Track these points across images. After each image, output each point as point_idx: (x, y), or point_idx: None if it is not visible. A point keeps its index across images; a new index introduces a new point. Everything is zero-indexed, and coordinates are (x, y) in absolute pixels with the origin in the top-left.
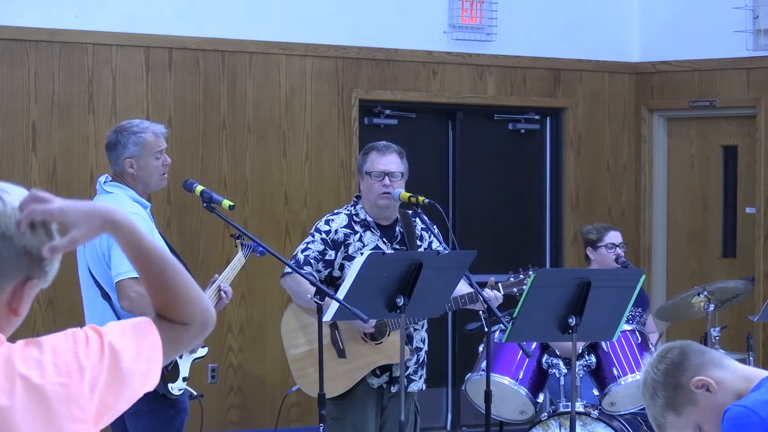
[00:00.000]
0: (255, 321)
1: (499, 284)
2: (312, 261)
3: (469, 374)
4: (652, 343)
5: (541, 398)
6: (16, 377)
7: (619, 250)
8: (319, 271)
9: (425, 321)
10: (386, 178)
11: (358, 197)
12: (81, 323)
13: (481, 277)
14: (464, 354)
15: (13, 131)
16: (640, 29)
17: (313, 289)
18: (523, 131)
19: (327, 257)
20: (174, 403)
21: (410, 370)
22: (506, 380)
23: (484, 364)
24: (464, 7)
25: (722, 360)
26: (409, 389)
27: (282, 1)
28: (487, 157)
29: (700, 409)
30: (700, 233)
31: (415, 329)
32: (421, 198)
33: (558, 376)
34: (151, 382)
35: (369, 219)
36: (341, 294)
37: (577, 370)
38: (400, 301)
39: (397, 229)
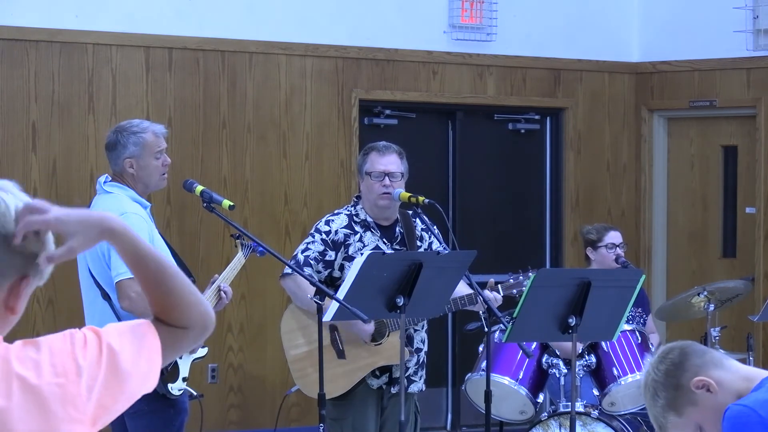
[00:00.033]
0: (255, 321)
1: (499, 286)
2: (312, 262)
3: (469, 374)
4: (652, 344)
5: (541, 398)
6: (13, 377)
7: (619, 250)
8: (319, 272)
9: (425, 322)
10: (386, 178)
11: (359, 197)
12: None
13: (481, 277)
14: (464, 354)
15: (13, 131)
16: (640, 29)
17: (313, 289)
18: (523, 131)
19: (327, 258)
20: (174, 403)
21: (410, 371)
22: (506, 380)
23: (484, 364)
24: (464, 7)
25: (723, 360)
26: (410, 390)
27: (282, 1)
28: (487, 157)
29: (701, 410)
30: (700, 233)
31: (416, 330)
32: (421, 198)
33: (558, 376)
34: (150, 384)
35: (369, 219)
36: (341, 294)
37: (577, 370)
38: (400, 301)
39: (398, 229)
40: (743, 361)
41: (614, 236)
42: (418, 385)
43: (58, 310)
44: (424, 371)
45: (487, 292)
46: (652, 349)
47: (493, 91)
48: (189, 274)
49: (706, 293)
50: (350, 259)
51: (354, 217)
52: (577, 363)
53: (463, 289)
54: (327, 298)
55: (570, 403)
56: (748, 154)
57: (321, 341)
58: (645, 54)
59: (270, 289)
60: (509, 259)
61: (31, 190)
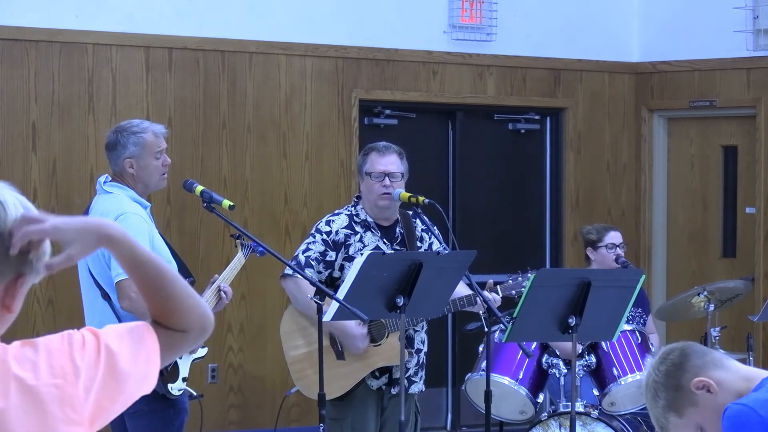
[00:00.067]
0: (255, 321)
1: (498, 287)
2: (313, 262)
3: (469, 374)
4: (652, 344)
5: (541, 398)
6: (10, 378)
7: (619, 251)
8: (320, 272)
9: (425, 322)
10: (386, 178)
11: (359, 198)
12: (81, 323)
13: (481, 278)
14: (464, 354)
15: (13, 131)
16: (640, 29)
17: (313, 289)
18: (523, 131)
19: (328, 258)
20: (174, 404)
21: (411, 372)
22: (506, 380)
23: (484, 364)
24: (464, 7)
25: (723, 361)
26: (410, 391)
27: (282, 1)
28: (487, 157)
29: (701, 410)
30: (700, 233)
31: (416, 330)
32: (421, 198)
33: (558, 376)
34: (148, 385)
35: (369, 220)
36: (341, 294)
37: (577, 370)
38: (400, 301)
39: (398, 229)
40: (743, 361)
41: (614, 236)
42: (418, 386)
43: (58, 310)
44: (423, 372)
45: (486, 293)
46: (653, 350)
47: (493, 91)
48: (189, 274)
49: (706, 293)
50: (350, 259)
51: (354, 218)
52: (577, 363)
53: (462, 289)
54: (327, 298)
55: (570, 403)
56: (748, 154)
57: (321, 341)
58: (645, 54)
59: (270, 289)
60: (509, 259)
61: (31, 190)
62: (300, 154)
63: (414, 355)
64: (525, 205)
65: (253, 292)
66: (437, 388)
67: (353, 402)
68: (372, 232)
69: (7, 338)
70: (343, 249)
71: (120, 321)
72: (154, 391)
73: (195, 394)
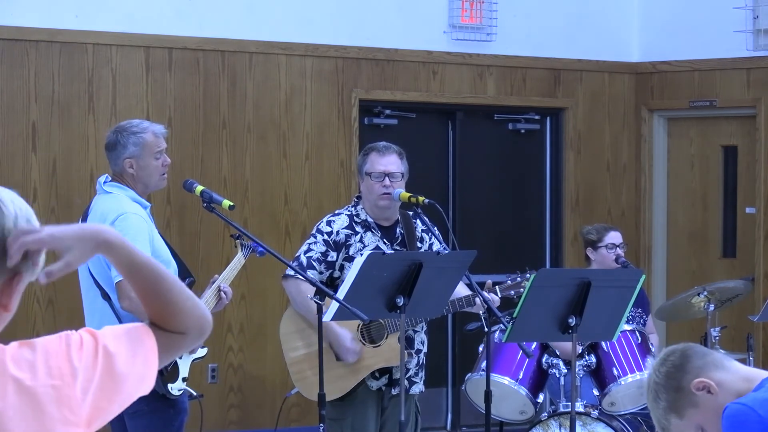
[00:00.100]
0: (255, 321)
1: (497, 287)
2: (315, 263)
3: (469, 374)
4: (652, 344)
5: (541, 398)
6: (8, 379)
7: (619, 251)
8: (321, 273)
9: (424, 323)
10: (386, 178)
11: (359, 198)
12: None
13: (481, 278)
14: (464, 354)
15: (13, 131)
16: (640, 29)
17: (314, 289)
18: (523, 131)
19: (329, 258)
20: (174, 404)
21: (411, 372)
22: (506, 380)
23: (484, 364)
24: (464, 7)
25: (724, 362)
26: (411, 391)
27: (282, 1)
28: (487, 157)
29: (702, 411)
30: (700, 233)
31: (415, 331)
32: (421, 198)
33: (558, 376)
34: (146, 387)
35: (370, 220)
36: (341, 294)
37: (577, 370)
38: (400, 301)
39: (398, 230)
40: (743, 361)
41: (614, 236)
42: (418, 386)
43: (58, 310)
44: (423, 372)
45: (485, 292)
46: (653, 350)
47: (493, 91)
48: (189, 275)
49: (706, 293)
50: (350, 259)
51: (355, 218)
52: (577, 363)
53: (462, 290)
54: (327, 298)
55: (570, 403)
56: (748, 154)
57: (321, 341)
58: (645, 54)
59: (270, 289)
60: (509, 259)
61: (31, 190)
62: (300, 154)
63: (414, 355)
64: (525, 205)
65: (253, 292)
66: (437, 388)
67: (353, 402)
68: (372, 232)
69: (7, 338)
70: (343, 249)
71: (120, 321)
72: (154, 391)
73: (195, 394)
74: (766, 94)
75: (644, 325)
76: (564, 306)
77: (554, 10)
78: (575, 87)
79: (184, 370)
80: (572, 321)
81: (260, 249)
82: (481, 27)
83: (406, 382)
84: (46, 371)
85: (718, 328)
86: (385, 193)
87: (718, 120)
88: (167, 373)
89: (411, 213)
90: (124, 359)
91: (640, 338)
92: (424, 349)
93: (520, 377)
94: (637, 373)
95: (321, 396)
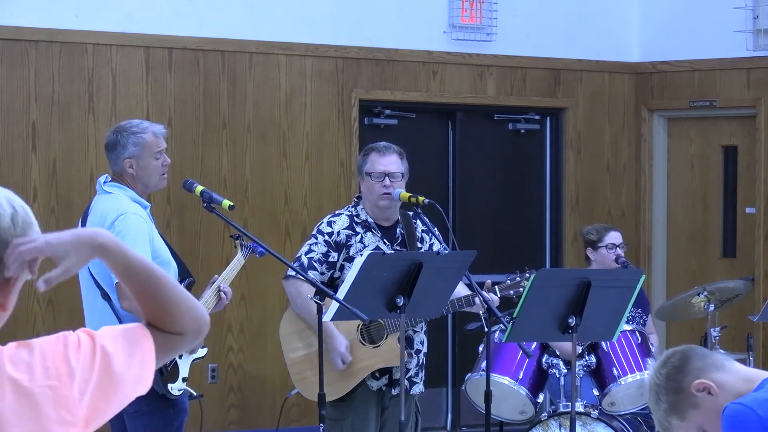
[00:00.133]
0: (255, 321)
1: (496, 287)
2: (316, 264)
3: (469, 374)
4: (652, 344)
5: (541, 398)
6: (5, 380)
7: (619, 251)
8: (323, 273)
9: (424, 323)
10: (386, 178)
11: (359, 198)
12: (81, 323)
13: (480, 278)
14: (464, 354)
15: (13, 131)
16: (640, 29)
17: (314, 290)
18: (523, 131)
19: (330, 259)
20: (173, 404)
21: (411, 373)
22: (506, 380)
23: (484, 364)
24: (464, 7)
25: (724, 363)
26: (411, 392)
27: (282, 1)
28: (487, 157)
29: (703, 412)
30: (700, 233)
31: (415, 331)
32: (421, 198)
33: (558, 376)
34: (143, 387)
35: (370, 220)
36: (341, 294)
37: (577, 370)
38: (400, 301)
39: (398, 230)
40: (743, 361)
41: (614, 236)
42: (419, 387)
43: (58, 310)
44: (423, 372)
45: (484, 292)
46: (653, 350)
47: (493, 91)
48: (189, 275)
49: (706, 293)
50: (351, 259)
51: (355, 218)
52: (577, 363)
53: (462, 289)
54: (327, 298)
55: (570, 403)
56: (748, 154)
57: (321, 341)
58: (645, 54)
59: (270, 289)
60: (509, 259)
61: (31, 190)
62: (300, 154)
63: (413, 355)
64: (525, 205)
65: (253, 292)
66: (437, 388)
67: (353, 403)
68: (372, 232)
69: (7, 338)
70: (344, 250)
71: (120, 321)
72: (154, 391)
73: (195, 394)
74: (766, 94)
75: (644, 325)
76: (564, 306)
77: (554, 10)
78: (575, 87)
79: (184, 370)
80: (572, 321)
81: (260, 249)
82: (481, 27)
83: (406, 383)
84: (44, 372)
85: (718, 328)
86: (385, 193)
87: (718, 120)
88: (167, 373)
89: (411, 213)
90: (121, 360)
91: (640, 338)
92: (424, 349)
93: (520, 377)
94: (637, 373)
95: (321, 396)
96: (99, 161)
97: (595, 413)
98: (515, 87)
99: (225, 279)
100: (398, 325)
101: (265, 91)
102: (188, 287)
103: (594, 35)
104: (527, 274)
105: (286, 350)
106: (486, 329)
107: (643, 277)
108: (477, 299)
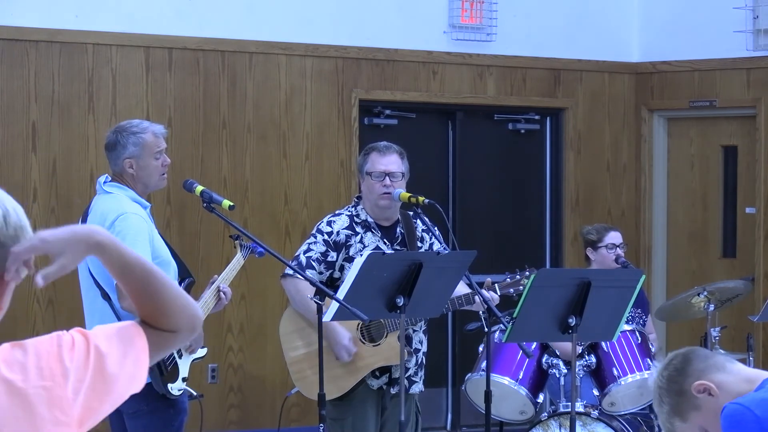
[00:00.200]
0: (255, 321)
1: (496, 285)
2: (314, 263)
3: (469, 374)
4: (652, 344)
5: (541, 398)
6: None
7: (619, 251)
8: (321, 273)
9: (423, 322)
10: (387, 178)
11: (359, 198)
12: (81, 323)
13: (480, 277)
14: (464, 354)
15: (13, 131)
16: (640, 29)
17: (313, 289)
18: (523, 131)
19: (329, 258)
20: (173, 404)
21: (410, 372)
22: (506, 380)
23: (484, 364)
24: (464, 7)
25: (726, 364)
26: (410, 391)
27: (282, 1)
28: (487, 157)
29: (704, 413)
30: (700, 233)
31: (414, 330)
32: (421, 198)
33: (558, 376)
34: (137, 385)
35: (370, 220)
36: (341, 294)
37: (577, 370)
38: (400, 301)
39: (398, 230)
40: (743, 361)
41: (614, 236)
42: (418, 386)
43: (58, 310)
44: (423, 371)
45: (484, 292)
46: (653, 350)
47: (493, 91)
48: (189, 275)
49: (706, 293)
50: (350, 259)
51: (355, 218)
52: (577, 363)
53: (462, 289)
54: (327, 298)
55: (570, 403)
56: (748, 154)
57: (321, 341)
58: (645, 54)
59: (270, 289)
60: (509, 259)
61: (31, 190)
62: (300, 154)
63: (412, 354)
64: (525, 205)
65: (253, 292)
66: (437, 388)
67: (353, 402)
68: (372, 232)
69: (7, 338)
70: (343, 249)
71: (120, 321)
72: (154, 391)
73: (195, 394)
74: (766, 94)
75: (644, 325)
76: (564, 306)
77: (554, 10)
78: (575, 87)
79: (184, 370)
80: (572, 321)
81: (259, 249)
82: (481, 27)
83: (405, 382)
84: (38, 372)
85: (718, 328)
86: (385, 193)
87: (718, 120)
88: (167, 373)
89: (411, 213)
90: (115, 359)
91: (640, 338)
92: (423, 349)
93: (520, 377)
94: (637, 373)
95: (321, 396)
96: (99, 161)
97: (595, 413)
98: (515, 87)
99: (224, 279)
100: (398, 323)
101: (265, 91)
102: (188, 287)
103: (594, 35)
104: (527, 272)
105: (286, 349)
106: (486, 329)
107: (643, 277)
108: (477, 297)
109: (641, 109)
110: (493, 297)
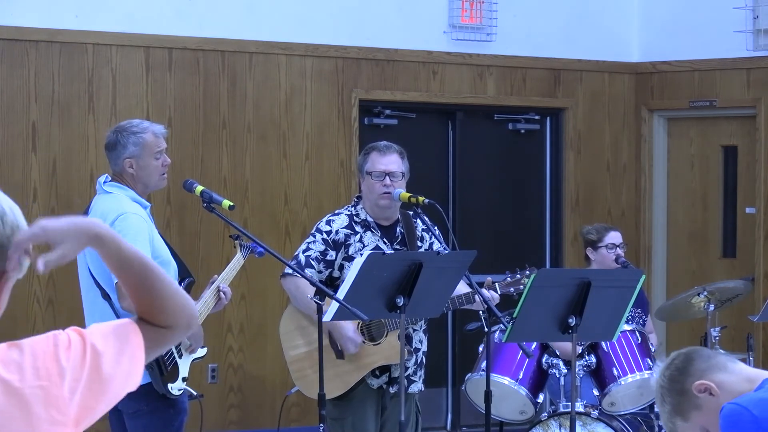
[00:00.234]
0: (255, 321)
1: (496, 284)
2: (313, 262)
3: (469, 374)
4: (652, 344)
5: (541, 398)
6: None
7: (619, 251)
8: (320, 272)
9: (423, 322)
10: (387, 178)
11: (359, 197)
12: (81, 323)
13: (480, 277)
14: (464, 354)
15: (13, 131)
16: (640, 29)
17: (313, 289)
18: (523, 131)
19: (328, 258)
20: (173, 403)
21: (410, 371)
22: (506, 380)
23: (484, 364)
24: (464, 7)
25: (727, 364)
26: (410, 390)
27: (282, 1)
28: (487, 157)
29: (705, 413)
30: (700, 233)
31: (414, 330)
32: (421, 198)
33: (558, 376)
34: (133, 383)
35: (370, 219)
36: (341, 294)
37: (577, 370)
38: (400, 301)
39: (398, 229)
40: (743, 361)
41: (614, 236)
42: (417, 385)
43: (58, 310)
44: (422, 371)
45: (484, 291)
46: (653, 350)
47: (493, 91)
48: (189, 275)
49: (706, 293)
50: (350, 259)
51: (354, 218)
52: (577, 363)
53: (462, 289)
54: (327, 298)
55: (570, 403)
56: (748, 154)
57: (321, 341)
58: (645, 54)
59: (270, 289)
60: (509, 259)
61: (31, 190)
62: (300, 154)
63: (412, 354)
64: (525, 205)
65: (253, 292)
66: (437, 388)
67: (353, 401)
68: (372, 231)
69: (7, 338)
70: (343, 249)
71: None
72: (154, 391)
73: (195, 394)
74: (766, 94)
75: (644, 325)
76: (564, 306)
77: (554, 10)
78: (575, 87)
79: (184, 370)
80: (572, 321)
81: (259, 249)
82: (481, 27)
83: (405, 381)
84: (34, 372)
85: (718, 328)
86: (385, 193)
87: (718, 120)
88: (167, 373)
89: (411, 213)
90: (111, 358)
91: (640, 338)
92: (423, 348)
93: (520, 377)
94: (637, 373)
95: (321, 396)
96: (99, 161)
97: (595, 413)
98: (515, 87)
99: (224, 279)
100: (398, 322)
101: (265, 91)
102: (188, 287)
103: (594, 35)
104: (527, 271)
105: (287, 347)
106: (486, 329)
107: (643, 277)
108: (477, 297)
109: (641, 109)
110: (494, 296)
